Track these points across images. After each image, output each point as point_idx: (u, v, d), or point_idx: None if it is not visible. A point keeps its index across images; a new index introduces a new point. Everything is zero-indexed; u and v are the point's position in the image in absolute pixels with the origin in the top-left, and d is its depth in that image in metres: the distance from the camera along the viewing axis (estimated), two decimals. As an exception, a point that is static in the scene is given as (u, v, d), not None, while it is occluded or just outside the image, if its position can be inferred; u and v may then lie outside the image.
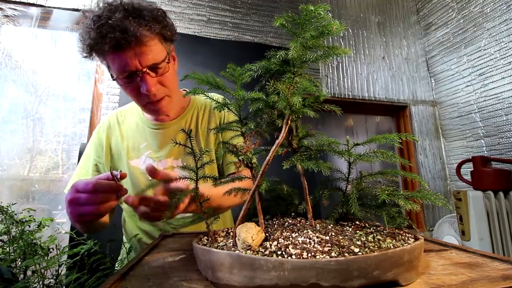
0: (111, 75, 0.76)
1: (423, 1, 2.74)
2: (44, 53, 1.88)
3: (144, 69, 0.71)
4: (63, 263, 0.81)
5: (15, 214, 0.80)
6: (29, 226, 0.81)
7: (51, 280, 0.77)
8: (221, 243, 0.41)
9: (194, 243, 0.41)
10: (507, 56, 2.03)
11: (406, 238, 0.39)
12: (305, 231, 0.39)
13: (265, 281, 0.30)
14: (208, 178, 0.49)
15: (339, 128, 2.51)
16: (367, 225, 0.45)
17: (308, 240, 0.35)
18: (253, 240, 0.35)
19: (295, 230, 0.40)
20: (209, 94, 0.51)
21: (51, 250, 0.81)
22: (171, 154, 0.86)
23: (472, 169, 1.97)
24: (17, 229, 0.77)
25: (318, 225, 0.43)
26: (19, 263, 0.74)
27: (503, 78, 2.04)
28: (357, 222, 0.46)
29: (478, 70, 2.22)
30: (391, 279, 0.31)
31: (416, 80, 2.65)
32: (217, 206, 0.75)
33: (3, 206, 0.79)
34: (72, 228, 0.90)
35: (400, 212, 0.43)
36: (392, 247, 0.34)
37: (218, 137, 0.91)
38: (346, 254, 0.31)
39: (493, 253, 0.48)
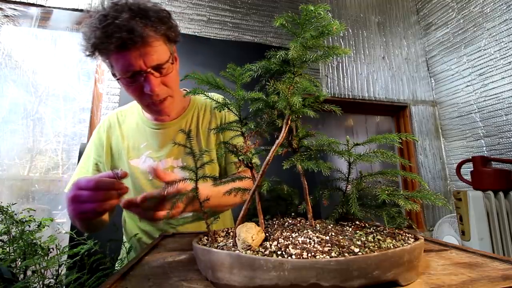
0: (114, 74, 0.76)
1: (423, 1, 2.74)
2: (44, 53, 1.88)
3: (148, 70, 0.72)
4: (63, 263, 0.81)
5: (15, 214, 0.80)
6: (29, 226, 0.81)
7: (51, 280, 0.77)
8: (221, 243, 0.41)
9: (194, 243, 0.41)
10: (507, 56, 2.02)
11: (406, 238, 0.39)
12: (305, 231, 0.39)
13: (265, 281, 0.30)
14: (208, 178, 0.49)
15: (339, 128, 2.51)
16: (367, 225, 0.45)
17: (308, 240, 0.35)
18: (253, 240, 0.35)
19: (295, 230, 0.40)
20: (209, 94, 0.52)
21: (51, 250, 0.81)
22: (171, 154, 0.87)
23: (472, 169, 1.97)
24: (17, 229, 0.77)
25: (318, 225, 0.43)
26: (19, 263, 0.74)
27: (503, 78, 2.04)
28: (357, 222, 0.46)
29: (478, 70, 2.22)
30: (391, 279, 0.31)
31: (416, 80, 2.65)
32: (216, 205, 0.75)
33: (3, 206, 0.79)
34: (72, 228, 0.90)
35: (400, 212, 0.43)
36: (392, 247, 0.34)
37: (219, 137, 0.91)
38: (346, 254, 0.31)
39: (493, 253, 0.48)
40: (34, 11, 1.79)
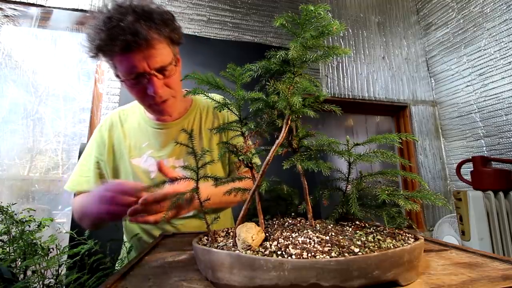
0: (117, 75, 0.77)
1: (423, 1, 2.74)
2: (44, 53, 1.88)
3: (152, 72, 0.72)
4: (63, 263, 0.81)
5: (15, 214, 0.80)
6: (29, 226, 0.81)
7: (51, 280, 0.77)
8: (221, 243, 0.41)
9: (194, 243, 0.41)
10: (507, 56, 2.02)
11: (406, 238, 0.39)
12: (305, 231, 0.39)
13: (265, 281, 0.30)
14: (209, 178, 0.49)
15: (339, 128, 2.51)
16: (367, 225, 0.45)
17: (308, 240, 0.35)
18: (253, 240, 0.35)
19: (295, 230, 0.40)
20: (210, 94, 0.52)
21: (51, 250, 0.81)
22: (173, 153, 0.87)
23: (472, 169, 1.97)
24: (17, 229, 0.77)
25: (318, 225, 0.43)
26: (19, 263, 0.74)
27: (503, 78, 2.04)
28: (357, 222, 0.46)
29: (478, 70, 2.22)
30: (391, 279, 0.31)
31: (416, 80, 2.65)
32: (217, 204, 0.76)
33: (3, 206, 0.79)
34: (72, 228, 0.90)
35: (400, 212, 0.43)
36: (392, 247, 0.34)
37: (221, 138, 0.92)
38: (346, 254, 0.31)
39: (493, 253, 0.48)
40: (34, 11, 1.79)
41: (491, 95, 2.12)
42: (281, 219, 0.48)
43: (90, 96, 1.85)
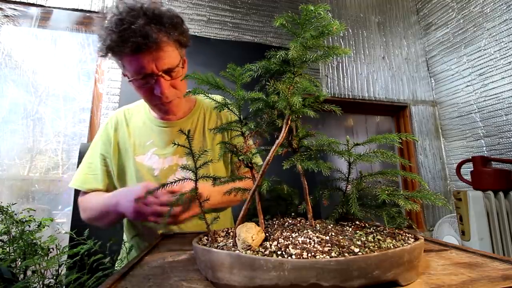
0: (125, 75, 0.80)
1: (423, 1, 2.74)
2: (44, 53, 1.88)
3: (160, 73, 0.75)
4: (63, 263, 0.81)
5: (15, 214, 0.80)
6: (29, 226, 0.81)
7: (51, 280, 0.77)
8: (221, 243, 0.41)
9: (194, 243, 0.41)
10: (507, 56, 2.02)
11: (406, 238, 0.39)
12: (305, 231, 0.39)
13: (265, 281, 0.30)
14: (208, 178, 0.49)
15: (339, 128, 2.51)
16: (367, 225, 0.45)
17: (308, 240, 0.35)
18: (253, 240, 0.35)
19: (295, 230, 0.40)
20: (213, 96, 0.52)
21: (51, 250, 0.81)
22: (176, 152, 0.88)
23: (472, 169, 1.97)
24: (17, 229, 0.77)
25: (318, 225, 0.43)
26: (19, 263, 0.74)
27: (503, 78, 2.04)
28: (357, 222, 0.46)
29: (478, 70, 2.22)
30: (391, 279, 0.31)
31: (416, 80, 2.65)
32: (219, 203, 0.76)
33: (3, 206, 0.79)
34: (72, 228, 0.90)
35: (400, 212, 0.43)
36: (392, 247, 0.34)
37: (224, 138, 0.94)
38: (346, 254, 0.31)
39: (493, 253, 0.48)
40: (34, 11, 1.79)
41: (491, 95, 2.12)
42: (281, 219, 0.48)
43: (90, 96, 1.84)
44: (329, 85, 2.35)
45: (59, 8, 1.80)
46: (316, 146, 0.47)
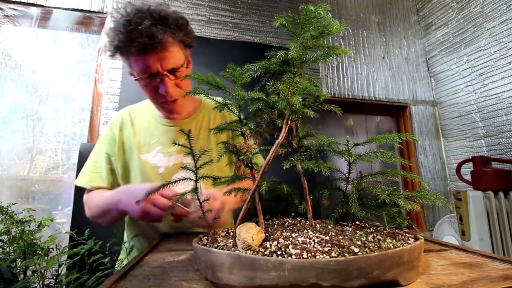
0: (132, 74, 0.82)
1: (423, 1, 2.74)
2: (44, 53, 1.88)
3: (164, 72, 0.77)
4: (63, 263, 0.81)
5: (15, 214, 0.80)
6: (29, 226, 0.81)
7: (51, 280, 0.77)
8: (221, 243, 0.41)
9: (194, 243, 0.41)
10: (507, 56, 2.02)
11: (406, 238, 0.39)
12: (305, 231, 0.39)
13: (265, 281, 0.30)
14: (208, 178, 0.49)
15: (339, 128, 2.51)
16: (367, 225, 0.45)
17: (308, 240, 0.35)
18: (253, 240, 0.35)
19: (295, 230, 0.40)
20: (216, 98, 0.53)
21: (51, 250, 0.81)
22: (181, 150, 0.89)
23: (472, 169, 1.97)
24: (17, 229, 0.77)
25: (318, 225, 0.43)
26: (19, 263, 0.74)
27: (503, 78, 2.04)
28: (357, 222, 0.46)
29: (478, 70, 2.22)
30: (391, 279, 0.31)
31: (416, 80, 2.65)
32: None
33: (3, 206, 0.79)
34: (72, 228, 0.90)
35: (400, 212, 0.43)
36: (392, 247, 0.34)
37: (229, 138, 0.95)
38: (346, 254, 0.31)
39: (493, 253, 0.48)
40: (34, 11, 1.79)
41: (491, 95, 2.12)
42: (281, 219, 0.48)
43: (90, 96, 1.84)
44: (329, 85, 2.35)
45: (59, 8, 1.80)
46: (316, 146, 0.47)
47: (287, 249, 0.33)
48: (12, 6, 1.74)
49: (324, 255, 0.31)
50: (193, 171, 0.47)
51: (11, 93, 1.77)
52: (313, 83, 0.44)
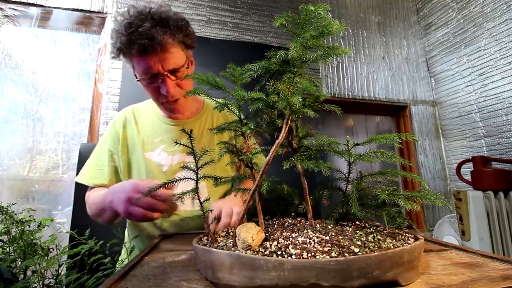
0: (135, 75, 0.84)
1: (423, 1, 2.74)
2: (44, 53, 1.88)
3: (165, 73, 0.79)
4: (63, 263, 0.81)
5: (15, 214, 0.80)
6: (29, 226, 0.81)
7: (51, 280, 0.77)
8: (221, 243, 0.41)
9: (194, 243, 0.41)
10: (507, 56, 2.02)
11: (406, 238, 0.39)
12: (305, 231, 0.39)
13: (265, 281, 0.30)
14: (209, 179, 0.49)
15: (339, 128, 2.51)
16: (367, 225, 0.45)
17: (308, 240, 0.35)
18: (253, 240, 0.35)
19: (295, 230, 0.40)
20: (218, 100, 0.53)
21: (51, 250, 0.81)
22: (185, 150, 0.88)
23: (472, 169, 1.97)
24: (17, 229, 0.77)
25: (318, 225, 0.43)
26: (19, 263, 0.74)
27: (503, 78, 2.04)
28: (357, 222, 0.46)
29: (478, 70, 2.22)
30: (391, 279, 0.31)
31: (416, 80, 2.65)
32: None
33: (3, 206, 0.79)
34: (72, 228, 0.90)
35: (400, 212, 0.43)
36: (392, 247, 0.34)
37: (232, 139, 0.96)
38: (346, 254, 0.31)
39: (493, 253, 0.48)
40: (34, 11, 1.79)
41: (491, 95, 2.12)
42: (281, 219, 0.48)
43: (90, 96, 1.84)
44: (329, 85, 2.35)
45: (59, 8, 1.80)
46: (316, 146, 0.47)
47: (287, 249, 0.33)
48: (12, 6, 1.74)
49: (324, 255, 0.31)
50: (194, 171, 0.47)
51: (11, 93, 1.77)
52: (313, 83, 0.44)
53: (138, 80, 0.84)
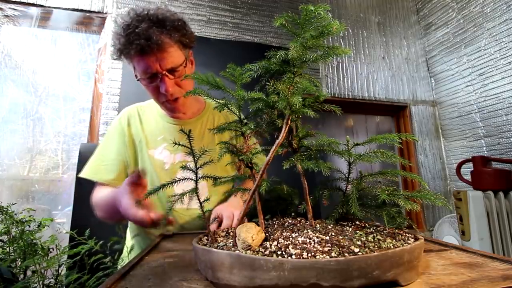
0: (136, 75, 0.86)
1: (423, 1, 2.74)
2: (44, 53, 1.88)
3: (164, 72, 0.80)
4: (63, 263, 0.81)
5: (15, 214, 0.80)
6: (29, 226, 0.81)
7: (51, 280, 0.77)
8: (221, 243, 0.41)
9: (194, 243, 0.41)
10: (507, 56, 2.02)
11: (406, 238, 0.39)
12: (305, 231, 0.39)
13: (265, 281, 0.30)
14: (209, 179, 0.49)
15: (339, 128, 2.51)
16: (367, 225, 0.45)
17: (308, 240, 0.35)
18: (253, 240, 0.35)
19: (295, 230, 0.40)
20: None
21: (51, 250, 0.81)
22: (185, 150, 0.88)
23: (472, 169, 1.97)
24: (17, 229, 0.77)
25: (318, 225, 0.43)
26: (19, 263, 0.74)
27: (503, 78, 2.04)
28: (357, 222, 0.46)
29: (478, 70, 2.22)
30: (391, 279, 0.31)
31: (416, 80, 2.65)
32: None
33: (3, 206, 0.79)
34: (72, 228, 0.90)
35: (400, 212, 0.43)
36: (392, 247, 0.34)
37: (233, 139, 0.96)
38: (346, 254, 0.31)
39: (493, 253, 0.48)
40: (34, 11, 1.79)
41: (491, 95, 2.12)
42: (281, 219, 0.48)
43: (90, 96, 1.84)
44: (329, 85, 2.35)
45: (59, 8, 1.80)
46: (316, 146, 0.47)
47: (287, 249, 0.33)
48: (12, 6, 1.74)
49: (324, 255, 0.31)
50: (193, 171, 0.47)
51: (11, 93, 1.77)
52: (313, 83, 0.44)
53: (138, 80, 0.85)
